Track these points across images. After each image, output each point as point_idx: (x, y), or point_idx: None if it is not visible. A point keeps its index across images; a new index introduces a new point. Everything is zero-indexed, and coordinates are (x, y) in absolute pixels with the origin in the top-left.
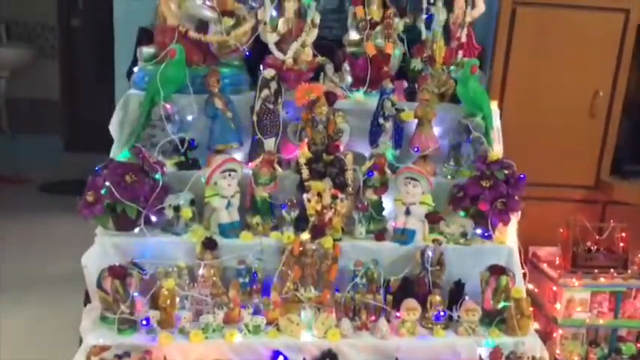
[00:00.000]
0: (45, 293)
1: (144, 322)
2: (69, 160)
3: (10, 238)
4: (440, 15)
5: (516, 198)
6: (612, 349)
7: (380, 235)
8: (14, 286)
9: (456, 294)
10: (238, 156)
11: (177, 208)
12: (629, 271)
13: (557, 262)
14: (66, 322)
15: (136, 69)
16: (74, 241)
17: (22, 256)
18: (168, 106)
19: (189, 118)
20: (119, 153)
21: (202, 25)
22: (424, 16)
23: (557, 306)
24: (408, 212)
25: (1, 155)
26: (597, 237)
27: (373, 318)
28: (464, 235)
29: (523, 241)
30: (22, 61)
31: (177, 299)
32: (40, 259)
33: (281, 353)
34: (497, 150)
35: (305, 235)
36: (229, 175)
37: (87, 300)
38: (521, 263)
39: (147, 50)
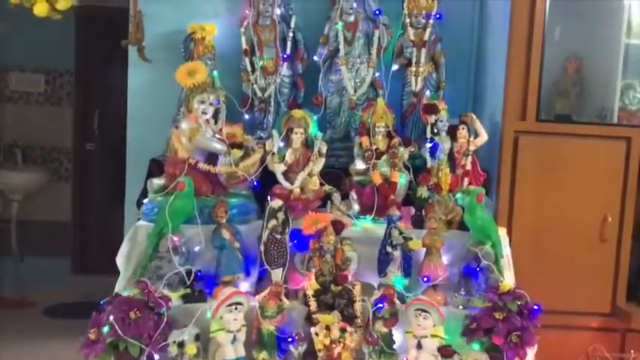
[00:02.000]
0: None
1: None
2: (75, 282)
3: None
4: (444, 144)
5: (531, 330)
6: None
7: None
8: None
9: None
10: (245, 286)
11: (181, 344)
12: None
13: None
14: None
15: (145, 200)
16: None
17: None
18: (175, 238)
19: (197, 249)
20: (124, 287)
21: (212, 157)
22: (428, 145)
23: None
24: (419, 346)
25: (7, 278)
26: None
27: None
28: None
29: None
30: (36, 184)
31: None
32: None
33: None
34: (508, 278)
35: None
36: (235, 308)
37: None
38: None
39: (157, 182)
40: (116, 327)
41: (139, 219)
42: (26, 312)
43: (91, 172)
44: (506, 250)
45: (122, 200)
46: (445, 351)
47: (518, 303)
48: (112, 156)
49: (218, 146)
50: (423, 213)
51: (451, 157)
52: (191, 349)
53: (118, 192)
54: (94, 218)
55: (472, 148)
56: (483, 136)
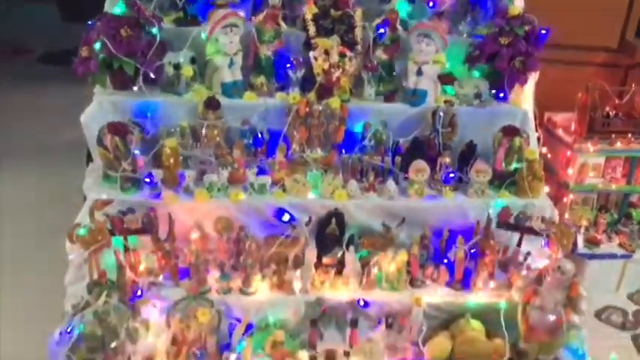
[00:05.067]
0: (46, 162)
1: (147, 180)
2: (67, 30)
3: (10, 108)
4: None
5: (535, 56)
6: (622, 214)
7: (390, 97)
8: (15, 155)
9: (466, 156)
10: (241, 12)
11: (177, 66)
12: None
13: (573, 128)
14: (68, 189)
15: None
16: (74, 111)
17: (23, 126)
18: None
19: None
20: (113, 7)
21: None
22: None
23: (570, 171)
24: (419, 72)
25: None
26: (617, 101)
27: (380, 180)
28: (478, 96)
29: (539, 108)
30: None
31: (181, 159)
32: (41, 129)
33: (286, 210)
34: (518, 5)
35: (311, 96)
36: (231, 30)
37: (89, 160)
38: (536, 127)
39: None
40: (107, 44)
41: None
42: (22, 58)
43: None
44: None
45: None
46: (445, 78)
47: (526, 28)
48: None
49: None
50: None
51: None
52: (187, 70)
53: None
54: None
55: None
56: None
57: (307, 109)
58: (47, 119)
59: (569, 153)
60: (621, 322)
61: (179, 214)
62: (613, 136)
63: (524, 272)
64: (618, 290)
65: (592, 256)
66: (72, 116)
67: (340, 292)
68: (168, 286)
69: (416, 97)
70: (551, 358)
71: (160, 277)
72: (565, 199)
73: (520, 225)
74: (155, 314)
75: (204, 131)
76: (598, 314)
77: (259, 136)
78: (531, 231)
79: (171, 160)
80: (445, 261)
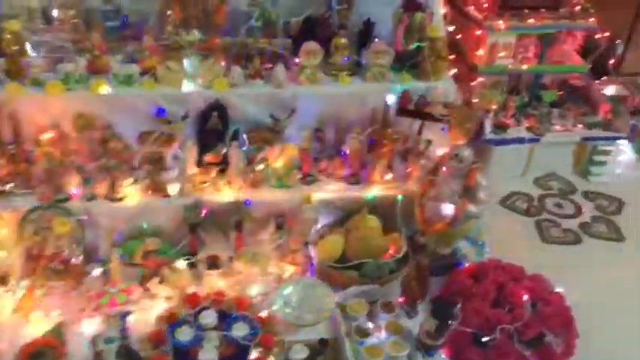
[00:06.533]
0: None
1: None
2: None
3: None
4: None
5: None
6: (533, 96)
7: None
8: None
9: (364, 36)
10: None
11: None
12: (561, 11)
13: (486, 5)
14: None
15: None
16: None
17: None
18: None
19: None
20: None
21: None
22: None
23: (480, 52)
24: None
25: None
26: None
27: (269, 66)
28: None
29: None
30: None
31: (29, 45)
32: None
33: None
34: None
35: None
36: None
37: None
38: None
39: None
40: None
41: None
42: None
43: None
44: None
45: None
46: None
47: None
48: None
49: None
50: None
51: None
52: None
53: None
54: None
55: None
56: None
57: None
58: None
59: (479, 32)
60: (526, 207)
61: (29, 112)
62: (526, 11)
63: (423, 162)
64: (524, 175)
65: (500, 142)
66: None
67: (224, 192)
68: (21, 194)
69: None
70: (450, 250)
71: (9, 186)
72: (474, 83)
73: (419, 111)
74: (5, 227)
75: (56, 12)
76: (503, 201)
77: (125, 18)
78: (430, 117)
79: (16, 48)
80: (340, 154)
